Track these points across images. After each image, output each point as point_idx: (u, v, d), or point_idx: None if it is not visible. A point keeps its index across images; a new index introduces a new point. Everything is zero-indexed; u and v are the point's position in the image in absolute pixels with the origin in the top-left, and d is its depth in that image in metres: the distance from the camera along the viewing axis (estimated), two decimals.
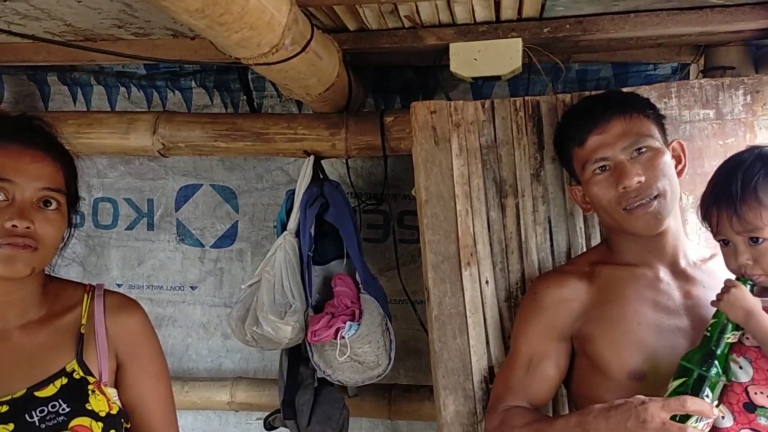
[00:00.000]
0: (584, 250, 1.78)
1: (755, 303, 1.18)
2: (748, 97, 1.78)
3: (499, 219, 1.81)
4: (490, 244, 1.80)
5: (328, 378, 2.14)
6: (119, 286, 2.74)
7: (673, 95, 1.78)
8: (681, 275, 1.46)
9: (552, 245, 1.80)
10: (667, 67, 2.29)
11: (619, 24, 1.83)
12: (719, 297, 1.21)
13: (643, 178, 1.39)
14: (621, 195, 1.41)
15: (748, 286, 1.21)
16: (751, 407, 1.19)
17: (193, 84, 2.63)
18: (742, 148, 1.76)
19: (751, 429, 1.19)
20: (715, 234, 1.27)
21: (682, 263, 1.48)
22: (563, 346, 1.48)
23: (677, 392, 1.17)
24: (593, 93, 1.71)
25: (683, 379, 1.18)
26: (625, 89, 1.76)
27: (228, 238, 2.70)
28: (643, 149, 1.42)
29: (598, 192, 1.45)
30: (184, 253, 2.74)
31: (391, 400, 2.48)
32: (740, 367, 1.21)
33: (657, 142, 1.45)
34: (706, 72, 2.09)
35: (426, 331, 1.87)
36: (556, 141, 1.65)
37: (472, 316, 1.78)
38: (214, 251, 2.71)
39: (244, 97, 2.57)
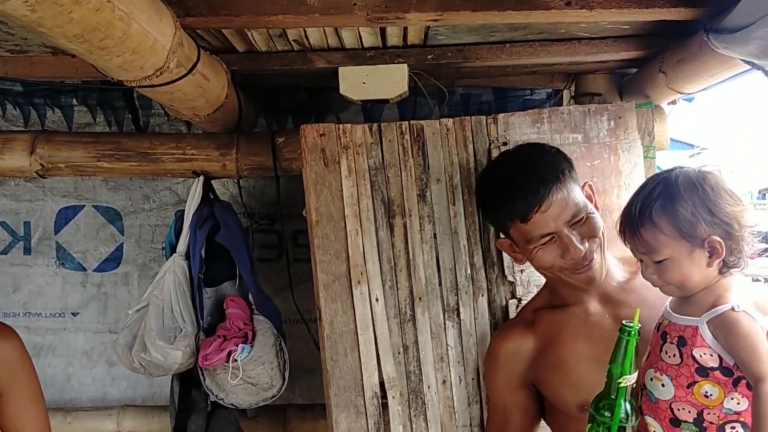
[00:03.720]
0: (467, 266, 1.86)
1: None
2: (612, 122, 1.93)
3: (387, 238, 1.86)
4: (380, 263, 1.85)
5: (221, 402, 2.11)
6: None
7: (545, 120, 1.90)
8: (609, 301, 1.55)
9: (438, 262, 1.87)
10: (542, 93, 2.45)
11: (496, 53, 1.94)
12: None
13: (586, 245, 1.48)
14: (567, 261, 1.49)
15: (634, 331, 1.22)
16: (676, 422, 1.26)
17: (75, 101, 2.53)
18: (607, 169, 1.93)
19: None
20: (632, 253, 1.35)
21: (609, 289, 1.57)
22: (528, 393, 1.62)
23: None
24: (519, 155, 1.62)
25: (591, 425, 1.26)
26: (501, 115, 1.87)
27: (112, 261, 2.60)
28: (580, 218, 1.50)
29: (542, 259, 1.51)
30: (64, 277, 2.61)
31: (286, 420, 2.47)
32: (663, 385, 1.27)
33: (589, 205, 1.53)
34: (577, 98, 2.25)
35: (320, 349, 1.88)
36: (489, 209, 1.66)
37: (363, 334, 1.81)
38: (97, 275, 2.61)
39: (130, 115, 2.50)
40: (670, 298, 1.33)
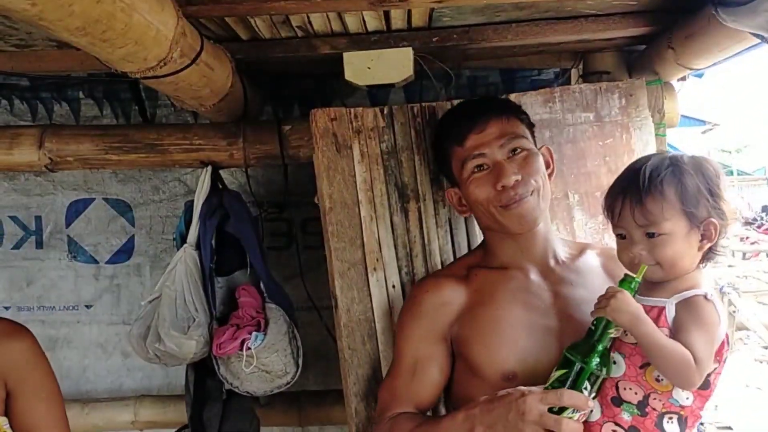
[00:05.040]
0: None
1: (639, 308, 1.21)
2: (623, 100, 1.91)
3: (402, 223, 1.84)
4: (395, 249, 1.82)
5: (235, 390, 2.12)
6: (6, 309, 2.60)
7: (557, 100, 1.88)
8: (551, 275, 1.51)
9: (453, 246, 1.85)
10: (550, 72, 2.42)
11: (502, 33, 1.91)
12: (603, 304, 1.22)
13: (519, 177, 1.44)
14: (500, 193, 1.45)
15: (635, 284, 1.23)
16: (618, 401, 1.23)
17: (81, 95, 2.53)
18: (619, 147, 1.91)
19: (615, 423, 1.23)
20: (615, 226, 1.31)
21: (552, 263, 1.53)
22: (444, 349, 1.50)
23: (558, 381, 1.21)
24: (471, 98, 1.76)
25: (565, 370, 1.21)
26: (513, 95, 1.86)
27: (124, 253, 2.62)
28: (519, 150, 1.48)
29: (476, 190, 1.49)
30: (77, 270, 2.63)
31: (300, 406, 2.48)
32: (614, 362, 1.24)
33: (531, 144, 1.52)
34: (585, 77, 2.22)
35: (333, 337, 1.88)
36: (436, 142, 1.68)
37: (381, 321, 1.79)
38: (109, 267, 2.62)
39: (136, 107, 2.50)
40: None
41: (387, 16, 1.82)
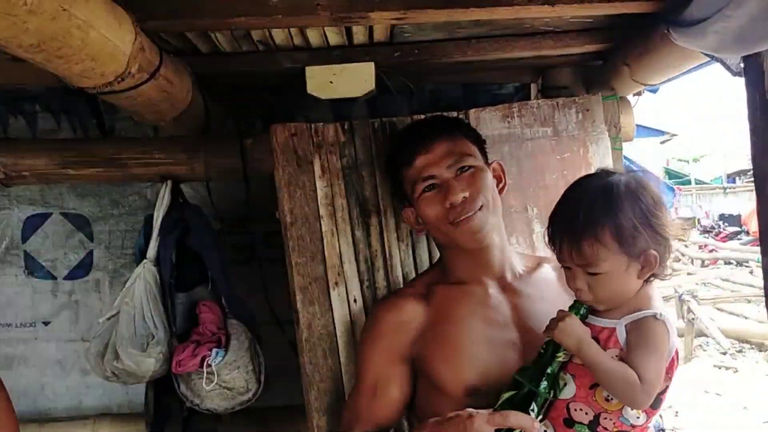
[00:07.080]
0: None
1: (585, 332, 1.23)
2: (580, 115, 1.94)
3: (363, 238, 1.84)
4: (357, 263, 1.83)
5: (196, 408, 2.09)
6: None
7: (515, 115, 1.91)
8: (508, 289, 1.53)
9: (415, 260, 1.86)
10: (510, 87, 2.46)
11: (463, 49, 1.95)
12: (552, 326, 1.24)
13: (467, 194, 1.48)
14: (448, 210, 1.49)
15: (584, 310, 1.25)
16: (569, 423, 1.25)
17: (38, 108, 2.49)
18: (577, 161, 1.95)
19: None
20: (559, 259, 1.32)
21: (509, 277, 1.55)
22: (405, 369, 1.52)
23: (506, 403, 1.23)
24: (421, 117, 1.78)
25: (513, 392, 1.24)
26: (473, 110, 1.88)
27: (82, 268, 2.56)
28: (466, 167, 1.51)
29: (426, 209, 1.52)
30: (34, 286, 2.57)
31: (265, 423, 2.45)
32: (564, 384, 1.26)
33: (479, 161, 1.55)
34: (544, 91, 2.26)
35: (296, 352, 1.87)
36: (388, 164, 1.70)
37: (343, 336, 1.79)
38: (67, 283, 2.57)
39: (94, 120, 2.46)
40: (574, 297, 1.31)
41: (348, 31, 1.83)
